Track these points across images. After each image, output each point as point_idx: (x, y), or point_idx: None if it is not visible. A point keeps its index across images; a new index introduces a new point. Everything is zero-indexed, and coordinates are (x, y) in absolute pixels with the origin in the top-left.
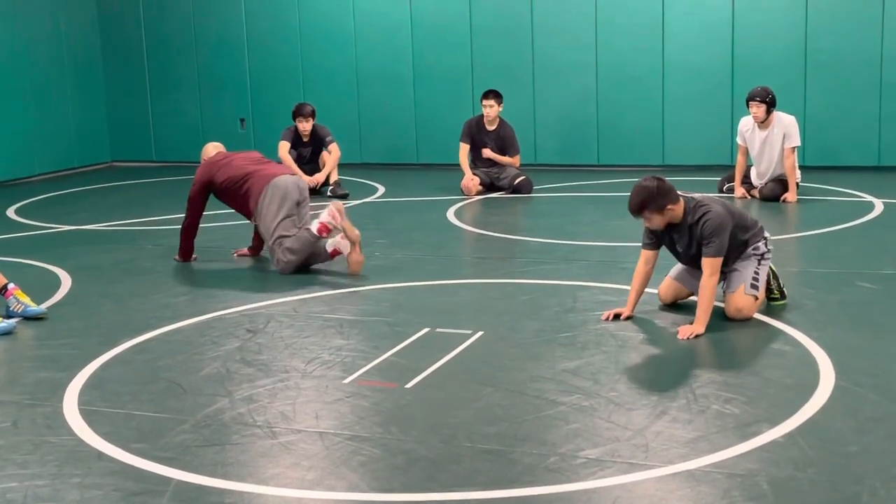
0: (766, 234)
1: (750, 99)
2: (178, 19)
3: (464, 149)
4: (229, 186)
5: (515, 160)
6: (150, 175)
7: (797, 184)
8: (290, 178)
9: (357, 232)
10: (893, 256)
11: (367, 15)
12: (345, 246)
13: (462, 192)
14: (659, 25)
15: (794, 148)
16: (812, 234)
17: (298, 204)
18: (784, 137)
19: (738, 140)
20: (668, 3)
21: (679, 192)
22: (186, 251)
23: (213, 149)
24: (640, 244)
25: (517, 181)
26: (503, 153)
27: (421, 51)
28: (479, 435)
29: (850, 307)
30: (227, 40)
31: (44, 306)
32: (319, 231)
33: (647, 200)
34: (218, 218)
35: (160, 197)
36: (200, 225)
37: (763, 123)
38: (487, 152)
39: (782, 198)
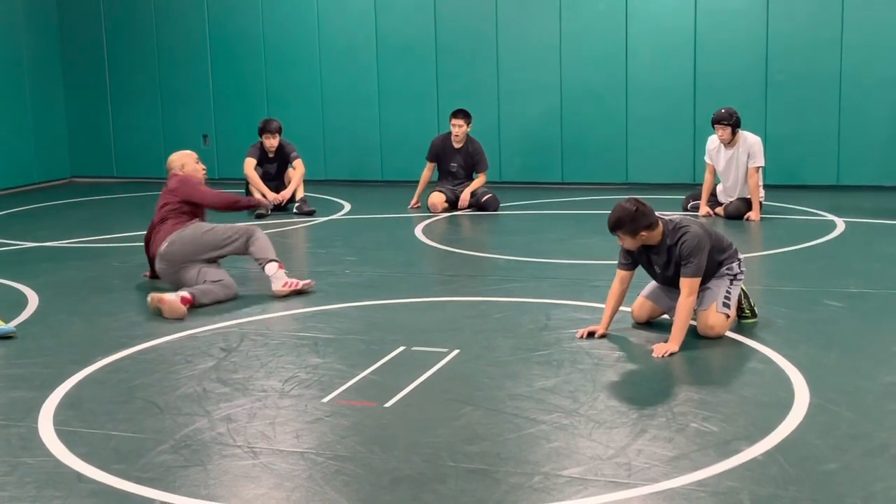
0: (740, 257)
1: (715, 122)
2: (139, 34)
3: (428, 168)
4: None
5: (481, 178)
6: (111, 191)
7: (761, 203)
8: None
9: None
10: (858, 275)
11: (332, 32)
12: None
13: (428, 209)
14: (622, 46)
15: (757, 168)
16: (777, 253)
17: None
18: (749, 157)
19: (706, 158)
20: (631, 24)
21: (658, 215)
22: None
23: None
24: (610, 262)
25: (484, 198)
26: (472, 170)
27: (386, 68)
28: (461, 454)
29: (819, 325)
30: (189, 55)
31: (12, 325)
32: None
33: (622, 222)
34: None
35: (123, 213)
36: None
37: (729, 143)
38: (464, 201)
39: (746, 216)
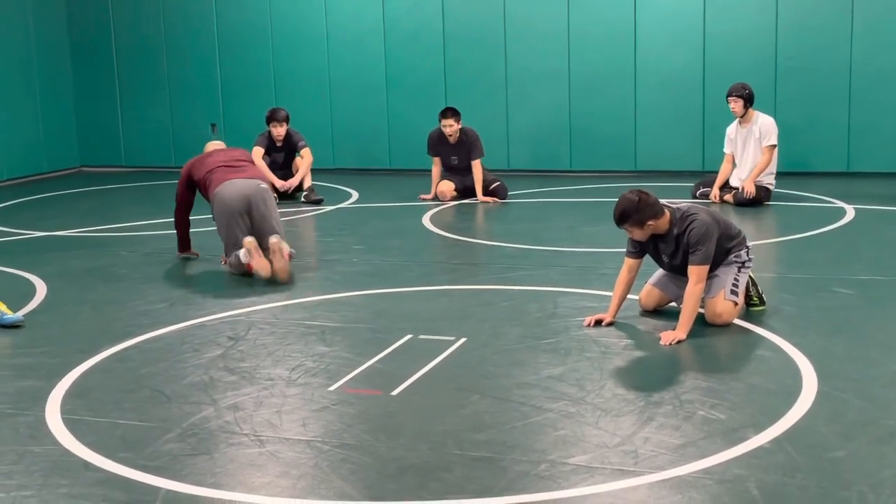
0: (748, 244)
1: (728, 94)
2: (148, 23)
3: (435, 162)
4: (199, 183)
5: (477, 167)
6: (119, 180)
7: (770, 190)
8: (237, 186)
9: (266, 265)
10: (867, 262)
11: (339, 20)
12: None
13: (437, 197)
14: (631, 33)
15: (771, 146)
16: (787, 240)
17: (249, 212)
18: (761, 136)
19: (726, 149)
20: (639, 11)
21: (665, 203)
22: (183, 243)
23: (210, 147)
24: (618, 249)
25: (492, 187)
26: (469, 158)
27: (394, 57)
28: (468, 442)
29: (828, 312)
30: (197, 44)
31: (20, 314)
32: (248, 267)
33: (628, 214)
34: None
35: (131, 202)
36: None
37: (743, 119)
38: (483, 198)
39: (740, 186)
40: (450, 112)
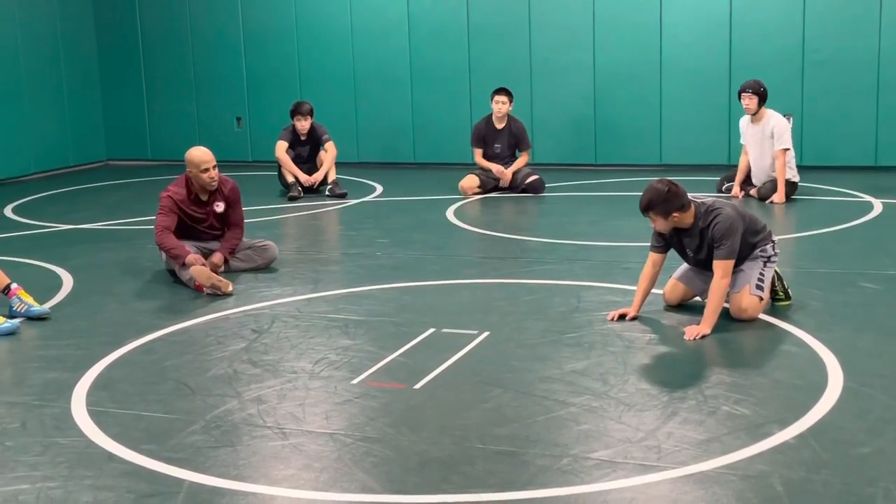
0: (774, 238)
1: (742, 91)
2: (174, 17)
3: (478, 153)
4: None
5: (524, 158)
6: (145, 174)
7: (795, 184)
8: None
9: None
10: (895, 256)
11: (364, 14)
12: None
13: (470, 188)
14: (657, 25)
15: (784, 150)
16: (813, 234)
17: None
18: (773, 137)
19: (742, 140)
20: (665, 2)
21: (691, 197)
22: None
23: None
24: (642, 244)
25: (529, 180)
26: (515, 149)
27: (418, 50)
28: (490, 436)
29: (855, 308)
30: (223, 38)
31: (47, 306)
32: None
33: (654, 203)
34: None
35: (157, 196)
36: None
37: (755, 117)
38: (507, 179)
39: (769, 199)
40: (504, 91)
